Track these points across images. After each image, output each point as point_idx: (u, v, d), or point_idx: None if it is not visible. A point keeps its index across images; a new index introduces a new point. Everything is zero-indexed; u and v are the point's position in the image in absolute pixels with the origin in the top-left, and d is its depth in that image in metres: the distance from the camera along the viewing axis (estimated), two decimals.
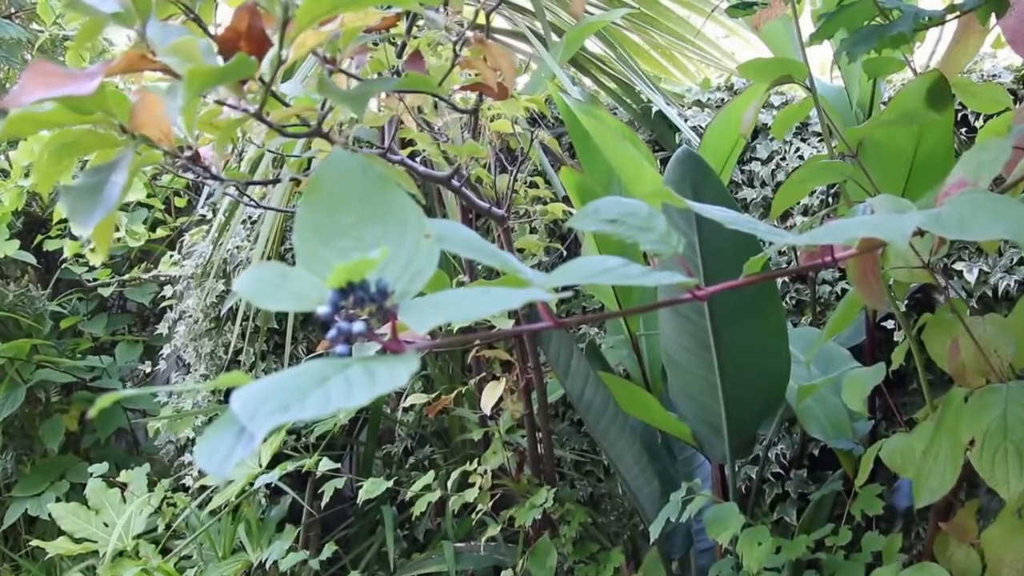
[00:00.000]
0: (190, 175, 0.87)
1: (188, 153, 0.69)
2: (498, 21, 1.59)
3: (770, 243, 1.68)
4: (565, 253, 1.74)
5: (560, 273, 0.43)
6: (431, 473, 1.47)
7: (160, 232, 2.33)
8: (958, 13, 0.86)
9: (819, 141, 1.65)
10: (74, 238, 2.10)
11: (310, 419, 0.36)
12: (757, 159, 1.70)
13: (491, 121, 1.28)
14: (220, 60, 0.59)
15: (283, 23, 0.55)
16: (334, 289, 0.37)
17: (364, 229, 0.41)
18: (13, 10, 3.00)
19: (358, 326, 0.37)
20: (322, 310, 0.37)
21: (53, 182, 0.65)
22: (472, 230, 0.47)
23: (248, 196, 1.26)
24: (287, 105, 0.70)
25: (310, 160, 1.25)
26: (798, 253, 1.38)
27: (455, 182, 1.13)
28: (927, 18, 0.85)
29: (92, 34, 0.73)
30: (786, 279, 1.66)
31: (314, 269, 0.40)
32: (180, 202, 2.42)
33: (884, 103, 1.40)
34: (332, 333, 0.37)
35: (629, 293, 1.43)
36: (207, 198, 2.10)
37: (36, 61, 0.53)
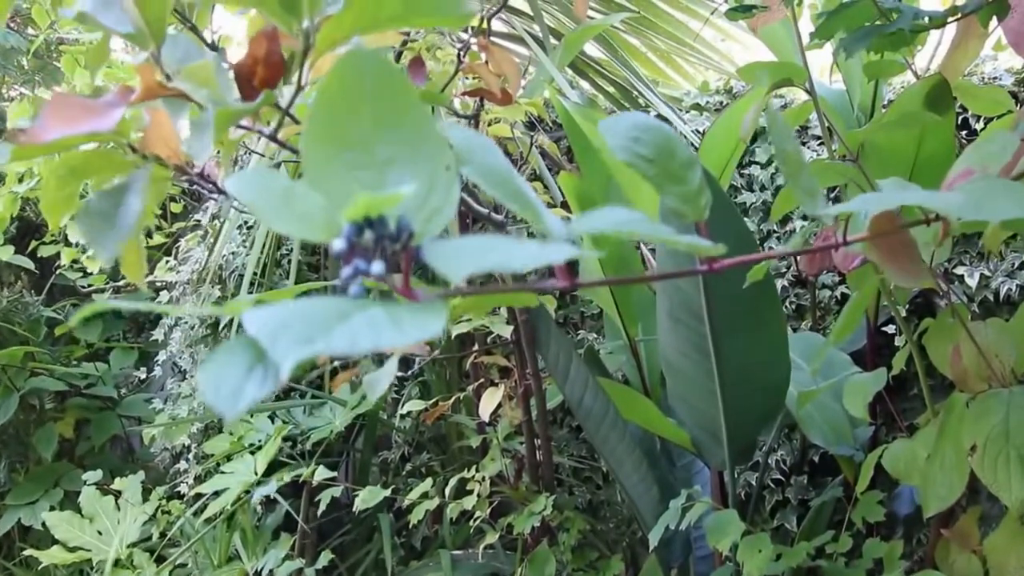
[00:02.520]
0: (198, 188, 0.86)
1: (197, 169, 0.68)
2: (496, 24, 1.58)
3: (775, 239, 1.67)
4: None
5: (586, 220, 0.38)
6: (429, 480, 1.45)
7: (156, 238, 2.32)
8: (959, 15, 0.86)
9: (819, 144, 1.64)
10: (69, 244, 2.08)
11: (337, 354, 0.31)
12: (756, 163, 1.70)
13: (489, 125, 1.28)
14: (233, 82, 0.58)
15: (304, 50, 0.54)
16: (350, 222, 0.33)
17: (378, 143, 0.37)
18: (9, 15, 3.00)
19: (377, 266, 0.33)
20: (337, 244, 0.33)
21: (62, 210, 0.64)
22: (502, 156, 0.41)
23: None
24: (297, 121, 0.69)
25: None
26: (798, 260, 1.37)
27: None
28: (927, 19, 0.85)
29: (102, 56, 0.72)
30: (785, 283, 1.65)
31: (322, 187, 0.36)
32: (176, 207, 2.41)
33: (885, 106, 1.40)
34: (347, 271, 0.33)
35: (627, 295, 1.42)
36: (205, 207, 2.09)
37: (56, 95, 0.52)
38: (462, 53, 0.90)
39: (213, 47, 0.70)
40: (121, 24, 0.55)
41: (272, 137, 0.64)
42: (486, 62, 0.92)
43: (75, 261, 2.15)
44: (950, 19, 0.86)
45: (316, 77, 0.59)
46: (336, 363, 1.51)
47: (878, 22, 0.85)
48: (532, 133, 1.39)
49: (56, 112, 0.51)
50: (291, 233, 0.35)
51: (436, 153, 0.36)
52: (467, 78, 1.05)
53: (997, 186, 0.48)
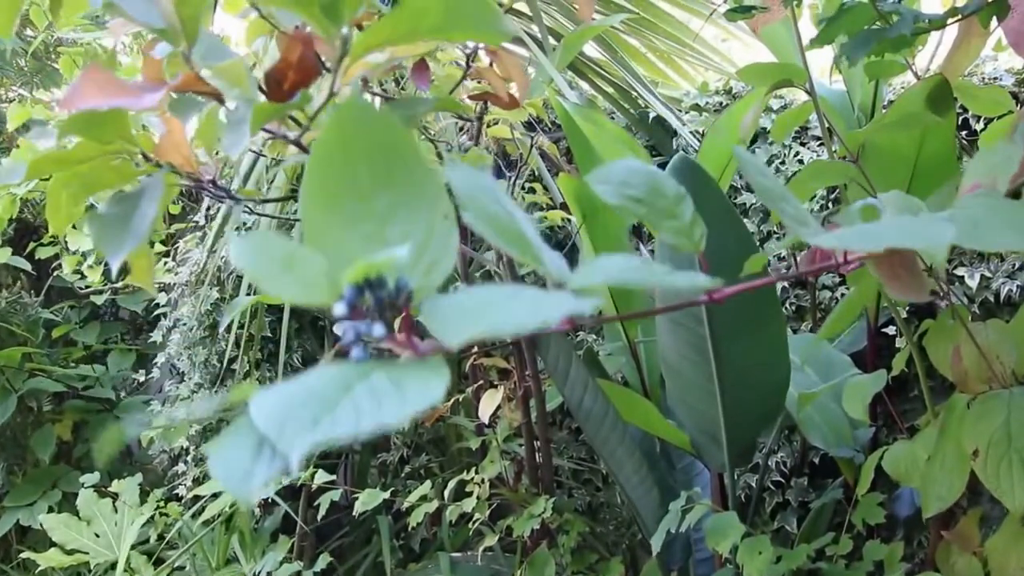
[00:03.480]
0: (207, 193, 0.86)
1: (208, 176, 0.68)
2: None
3: (778, 255, 1.67)
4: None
5: (587, 272, 0.38)
6: (428, 482, 1.45)
7: (155, 238, 2.31)
8: (959, 17, 0.86)
9: (819, 145, 1.64)
10: (68, 249, 2.08)
11: (342, 438, 0.30)
12: None
13: (489, 127, 1.27)
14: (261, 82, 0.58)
15: (340, 57, 0.53)
16: (351, 285, 0.33)
17: (375, 195, 0.37)
18: None
19: (378, 329, 0.33)
20: (338, 310, 0.34)
21: (69, 220, 0.64)
22: (505, 198, 0.41)
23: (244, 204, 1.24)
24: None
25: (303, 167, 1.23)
26: (798, 258, 1.37)
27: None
28: (927, 21, 0.84)
29: (110, 65, 0.71)
30: (785, 284, 1.65)
31: (322, 246, 0.36)
32: (174, 209, 2.40)
33: (886, 106, 1.39)
34: (349, 335, 0.33)
35: (629, 299, 1.41)
36: (203, 207, 2.09)
37: (90, 67, 0.51)
38: (470, 58, 0.90)
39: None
40: (150, 17, 0.54)
41: (296, 143, 0.64)
42: (491, 64, 0.91)
43: (78, 269, 2.14)
44: (950, 21, 0.86)
45: (344, 83, 0.59)
46: None
47: (878, 23, 0.85)
48: (532, 134, 1.38)
49: (91, 83, 0.50)
50: (292, 300, 0.35)
51: (434, 203, 0.36)
52: (468, 80, 1.04)
53: (996, 207, 0.47)
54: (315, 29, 0.53)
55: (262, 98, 0.57)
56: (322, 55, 0.59)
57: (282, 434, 0.28)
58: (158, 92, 0.52)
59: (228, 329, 1.85)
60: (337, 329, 0.34)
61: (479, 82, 0.95)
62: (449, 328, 0.32)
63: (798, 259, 1.38)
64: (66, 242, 2.12)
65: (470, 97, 1.00)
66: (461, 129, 1.30)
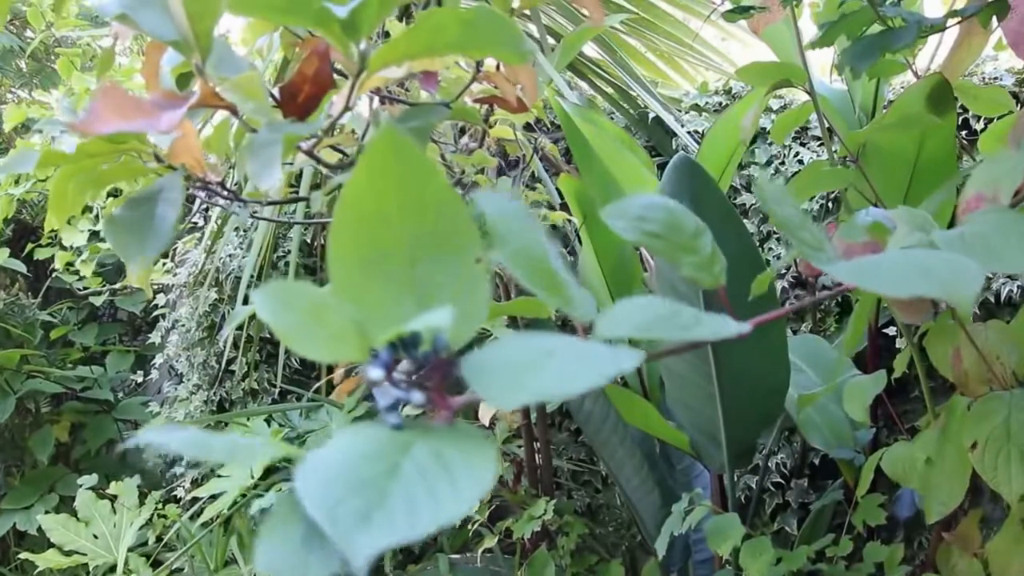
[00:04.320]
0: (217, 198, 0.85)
1: (217, 179, 0.68)
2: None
3: (777, 255, 1.67)
4: None
5: (614, 321, 0.37)
6: None
7: None
8: (959, 19, 0.85)
9: (819, 145, 1.63)
10: (63, 248, 2.07)
11: (403, 539, 0.28)
12: (756, 164, 1.69)
13: (490, 127, 1.27)
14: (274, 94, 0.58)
15: (358, 71, 0.53)
16: (386, 347, 0.31)
17: (407, 241, 0.34)
18: (8, 18, 2.99)
19: (417, 396, 0.31)
20: (374, 373, 0.31)
21: (70, 213, 0.63)
22: (538, 230, 0.39)
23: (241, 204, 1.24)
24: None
25: (301, 170, 1.23)
26: (798, 261, 1.36)
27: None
28: (929, 26, 0.84)
29: (108, 64, 0.71)
30: (785, 285, 1.65)
31: (351, 295, 0.33)
32: None
33: (886, 106, 1.39)
34: (386, 402, 0.31)
35: (626, 296, 1.41)
36: (201, 207, 2.08)
37: (107, 87, 0.50)
38: (479, 62, 0.90)
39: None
40: (163, 29, 0.53)
41: (309, 153, 0.64)
42: (498, 67, 0.91)
43: (69, 264, 2.14)
44: (950, 23, 0.86)
45: (359, 94, 0.58)
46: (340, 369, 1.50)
47: (878, 25, 0.85)
48: (531, 135, 1.38)
49: (110, 105, 0.49)
50: (324, 359, 0.33)
51: (467, 246, 0.34)
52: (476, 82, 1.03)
53: (1010, 224, 0.45)
54: (333, 45, 0.52)
55: (276, 114, 0.57)
56: (338, 65, 0.59)
57: (336, 527, 0.26)
58: (177, 111, 0.51)
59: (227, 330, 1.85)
60: (371, 383, 0.32)
61: (485, 84, 0.94)
62: (498, 392, 0.30)
63: (798, 263, 1.38)
64: (61, 240, 2.12)
65: (475, 100, 0.99)
66: (462, 131, 1.29)
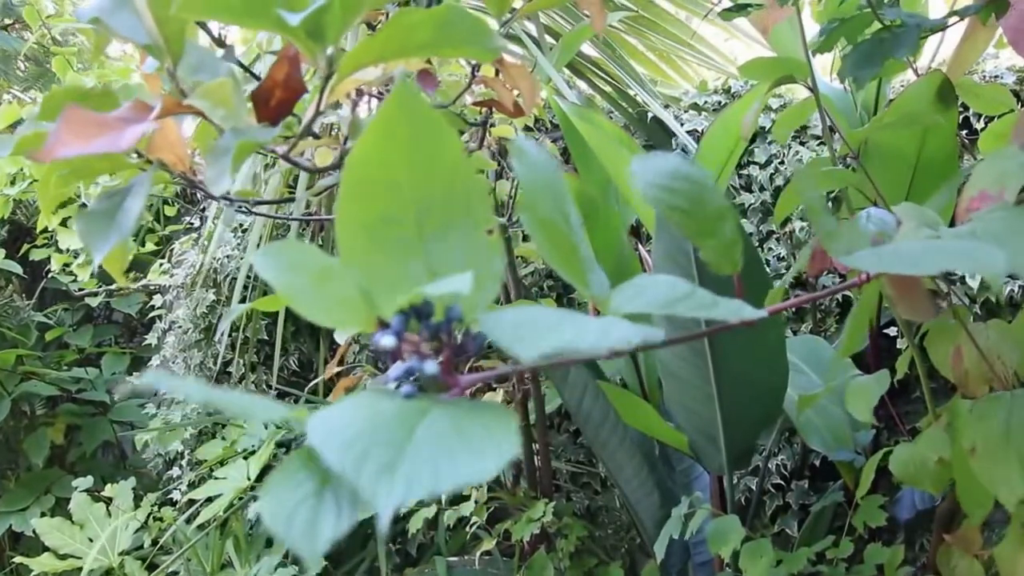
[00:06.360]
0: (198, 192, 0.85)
1: (202, 176, 0.67)
2: (491, 24, 1.56)
3: (778, 255, 1.66)
4: None
5: (631, 297, 0.36)
6: None
7: (150, 242, 2.30)
8: (958, 19, 0.85)
9: (819, 144, 1.63)
10: (59, 250, 2.07)
11: (426, 495, 0.24)
12: (755, 163, 1.68)
13: (492, 127, 1.26)
14: (249, 102, 0.57)
15: (327, 76, 0.52)
16: (398, 314, 0.30)
17: (417, 203, 0.33)
18: (9, 20, 2.98)
19: (430, 366, 0.30)
20: (386, 341, 0.31)
21: (58, 203, 0.63)
22: (568, 202, 0.38)
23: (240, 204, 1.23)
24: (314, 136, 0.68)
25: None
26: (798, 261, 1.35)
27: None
28: (929, 28, 0.84)
29: (97, 54, 0.71)
30: (785, 285, 1.64)
31: (358, 260, 0.32)
32: (170, 210, 2.39)
33: (887, 105, 1.38)
34: (398, 371, 0.30)
35: None
36: (199, 207, 2.07)
37: (70, 109, 0.50)
38: (475, 67, 0.89)
39: (221, 43, 0.69)
40: (136, 34, 0.54)
41: (286, 157, 0.63)
42: (497, 73, 0.90)
43: (66, 265, 2.13)
44: (951, 23, 0.85)
45: (333, 99, 0.58)
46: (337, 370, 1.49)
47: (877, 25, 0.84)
48: (532, 135, 1.37)
49: (71, 128, 0.49)
50: (328, 323, 0.32)
51: (480, 214, 0.33)
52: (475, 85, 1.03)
53: (1018, 221, 0.44)
54: (300, 50, 0.52)
55: (251, 118, 0.56)
56: (312, 70, 0.59)
57: (362, 477, 0.25)
58: (139, 126, 0.51)
59: (224, 332, 1.84)
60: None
61: (486, 87, 0.94)
62: (523, 342, 0.29)
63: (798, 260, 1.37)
64: (57, 241, 2.11)
65: (474, 103, 0.99)
66: (461, 131, 1.28)
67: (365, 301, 0.32)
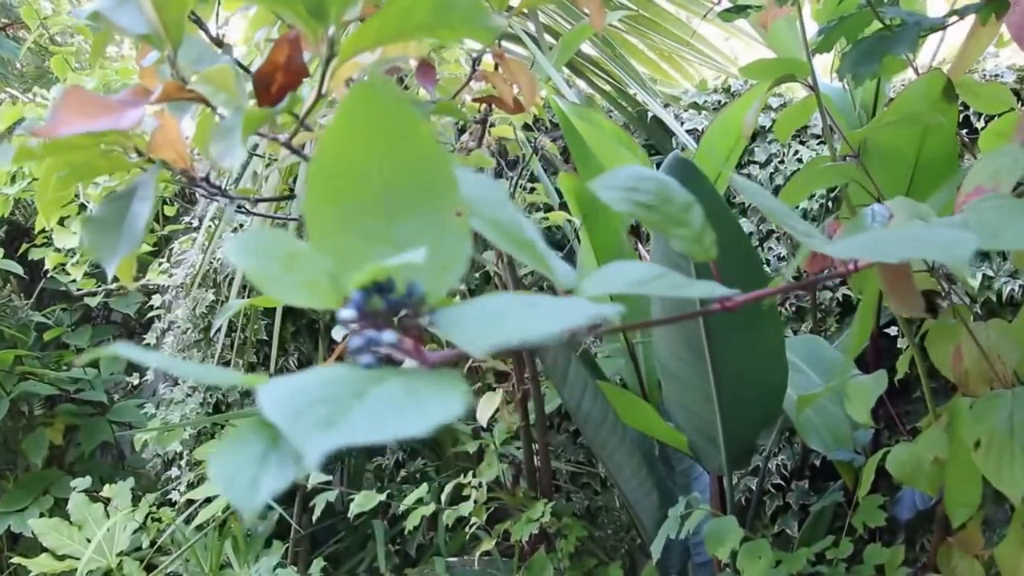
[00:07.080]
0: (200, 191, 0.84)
1: (202, 173, 0.67)
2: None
3: (778, 255, 1.66)
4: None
5: (600, 280, 0.37)
6: (424, 486, 1.43)
7: (148, 240, 2.29)
8: (958, 18, 0.85)
9: (818, 143, 1.63)
10: (57, 249, 2.06)
11: (360, 441, 0.28)
12: (755, 162, 1.68)
13: (492, 127, 1.26)
14: (249, 85, 0.57)
15: (328, 59, 0.52)
16: (359, 289, 0.31)
17: (386, 189, 0.33)
18: (7, 21, 2.98)
19: (388, 335, 0.31)
20: (346, 314, 0.31)
21: (58, 208, 0.63)
22: (510, 205, 0.39)
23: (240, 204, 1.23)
24: (310, 130, 0.67)
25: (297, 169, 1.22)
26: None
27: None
28: (928, 28, 0.84)
29: (99, 51, 0.70)
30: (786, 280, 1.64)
31: (326, 245, 0.33)
32: (169, 210, 2.38)
33: (887, 105, 1.38)
34: (357, 342, 0.31)
35: (626, 298, 1.40)
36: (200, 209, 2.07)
37: (70, 88, 0.50)
38: (476, 61, 0.89)
39: (219, 42, 0.68)
40: (136, 25, 0.53)
41: (287, 145, 0.63)
42: (497, 68, 0.90)
43: (61, 265, 2.12)
44: (951, 22, 0.85)
45: (334, 86, 0.57)
46: None
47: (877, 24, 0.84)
48: (530, 134, 1.37)
49: (72, 107, 0.49)
50: (295, 303, 0.32)
51: (447, 198, 0.34)
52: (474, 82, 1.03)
53: (1011, 208, 0.45)
54: (301, 29, 0.52)
55: (252, 102, 0.56)
56: (313, 55, 0.58)
57: (295, 428, 0.26)
58: (139, 108, 0.50)
59: (223, 332, 1.83)
60: (336, 333, 0.32)
61: (486, 84, 0.93)
62: (472, 336, 0.30)
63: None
64: (52, 239, 2.10)
65: (474, 100, 0.98)
66: (462, 130, 1.28)
67: (332, 283, 0.32)
